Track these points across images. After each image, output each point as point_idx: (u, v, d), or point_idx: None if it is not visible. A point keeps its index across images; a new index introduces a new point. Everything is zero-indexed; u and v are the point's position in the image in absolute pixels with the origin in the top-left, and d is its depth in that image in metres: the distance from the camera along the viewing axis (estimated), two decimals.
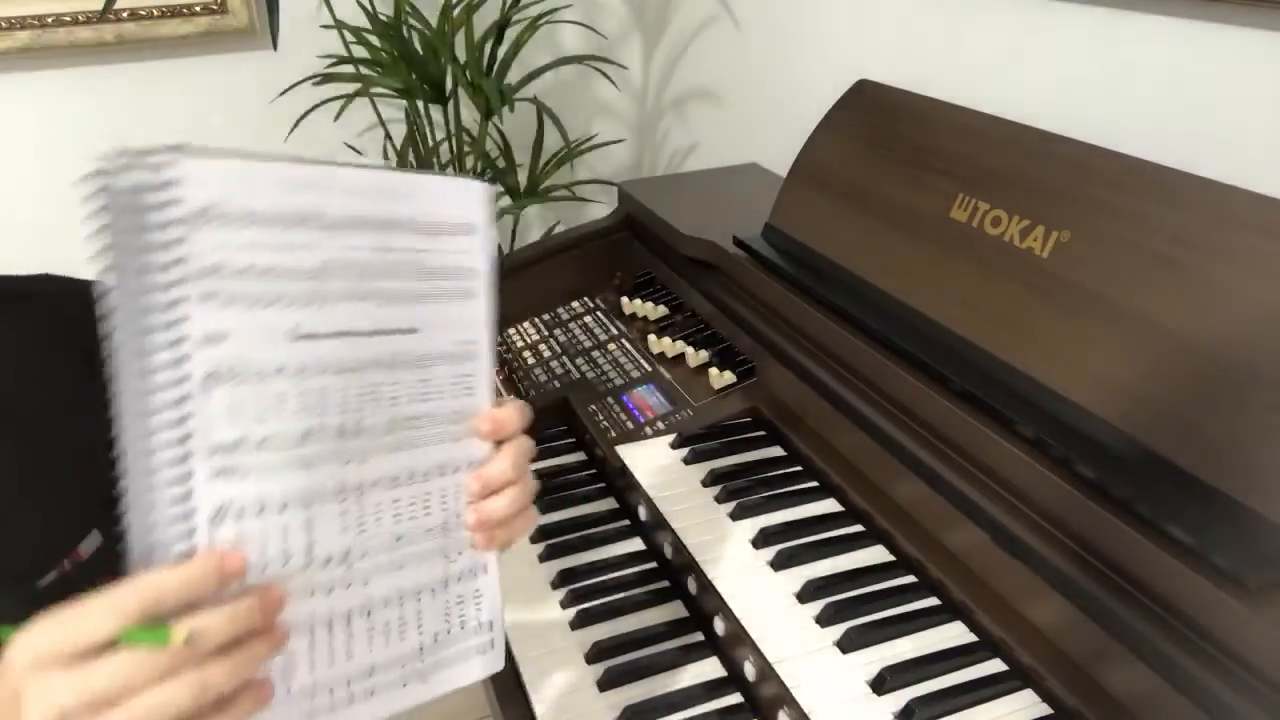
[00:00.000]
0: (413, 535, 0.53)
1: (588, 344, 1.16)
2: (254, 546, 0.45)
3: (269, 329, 0.45)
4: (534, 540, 0.90)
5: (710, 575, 0.76)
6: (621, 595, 0.82)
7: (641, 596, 0.82)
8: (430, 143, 1.68)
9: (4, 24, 1.63)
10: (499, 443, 0.56)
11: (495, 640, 0.58)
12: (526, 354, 1.18)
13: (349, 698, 0.51)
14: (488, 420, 0.55)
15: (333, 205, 0.47)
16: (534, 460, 1.04)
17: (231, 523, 0.44)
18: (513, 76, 1.66)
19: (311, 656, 0.49)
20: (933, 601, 0.73)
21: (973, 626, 0.70)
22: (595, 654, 0.75)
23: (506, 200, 1.83)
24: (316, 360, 0.47)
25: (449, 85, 1.65)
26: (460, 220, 0.53)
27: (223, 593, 0.43)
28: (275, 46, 1.49)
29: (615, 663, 0.74)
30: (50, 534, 0.57)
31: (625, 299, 1.19)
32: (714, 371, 1.01)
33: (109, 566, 0.55)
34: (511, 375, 1.13)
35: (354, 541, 0.50)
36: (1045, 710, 0.64)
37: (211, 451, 0.44)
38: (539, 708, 0.71)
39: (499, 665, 0.58)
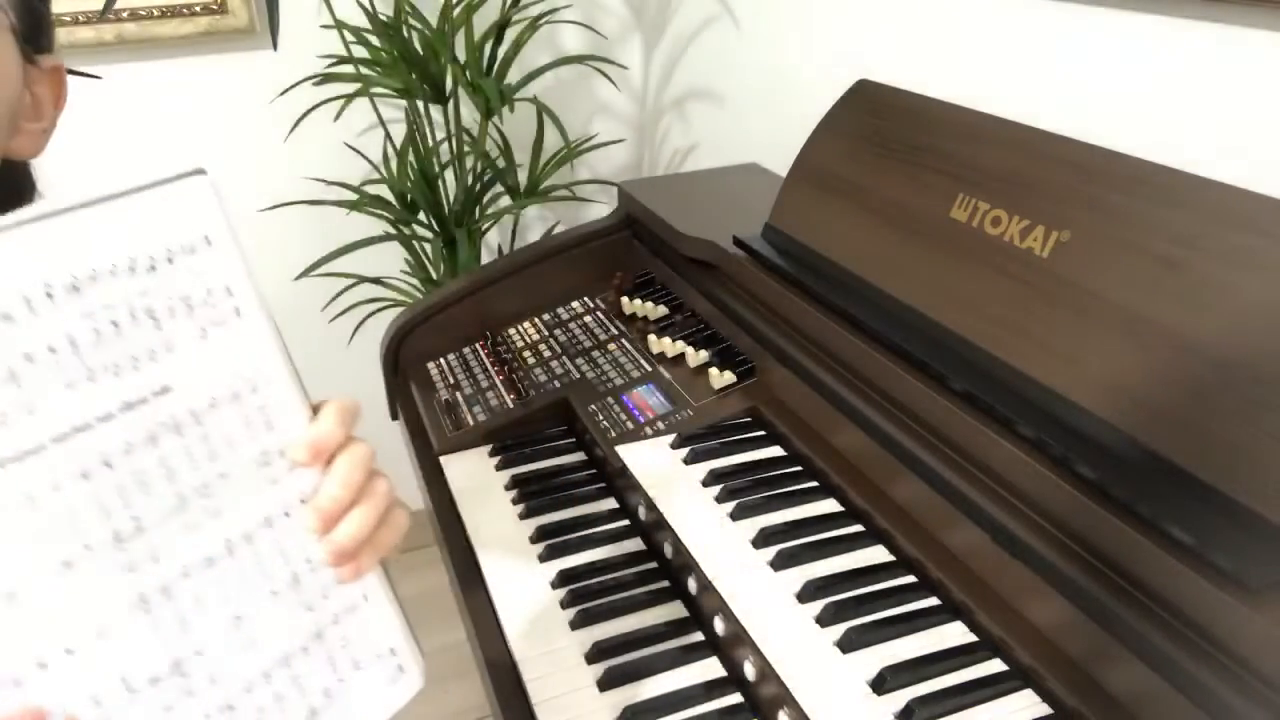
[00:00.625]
0: (255, 607, 0.46)
1: (588, 344, 1.17)
2: (54, 705, 0.39)
3: None
4: (534, 540, 0.90)
5: (710, 575, 0.76)
6: (621, 595, 0.82)
7: (641, 596, 0.82)
8: (430, 143, 1.69)
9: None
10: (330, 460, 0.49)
11: (404, 664, 0.53)
12: (526, 354, 1.18)
13: None
14: (303, 448, 0.47)
15: (4, 285, 0.37)
16: (534, 460, 1.04)
17: (11, 692, 0.38)
18: (513, 76, 1.66)
19: None
20: (933, 601, 0.73)
21: (973, 626, 0.70)
22: (595, 654, 0.75)
23: (506, 200, 1.83)
24: (45, 478, 0.38)
25: (449, 85, 1.65)
26: (182, 237, 0.43)
27: None
28: (275, 46, 1.49)
29: (615, 663, 0.74)
30: None
31: (625, 299, 1.20)
32: (714, 371, 1.01)
33: None
34: (511, 375, 1.13)
35: (179, 647, 0.43)
36: (1045, 710, 0.64)
37: None
38: (539, 708, 0.71)
39: (418, 684, 0.53)
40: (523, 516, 0.94)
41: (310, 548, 0.48)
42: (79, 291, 0.39)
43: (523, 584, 0.85)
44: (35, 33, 0.54)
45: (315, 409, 0.49)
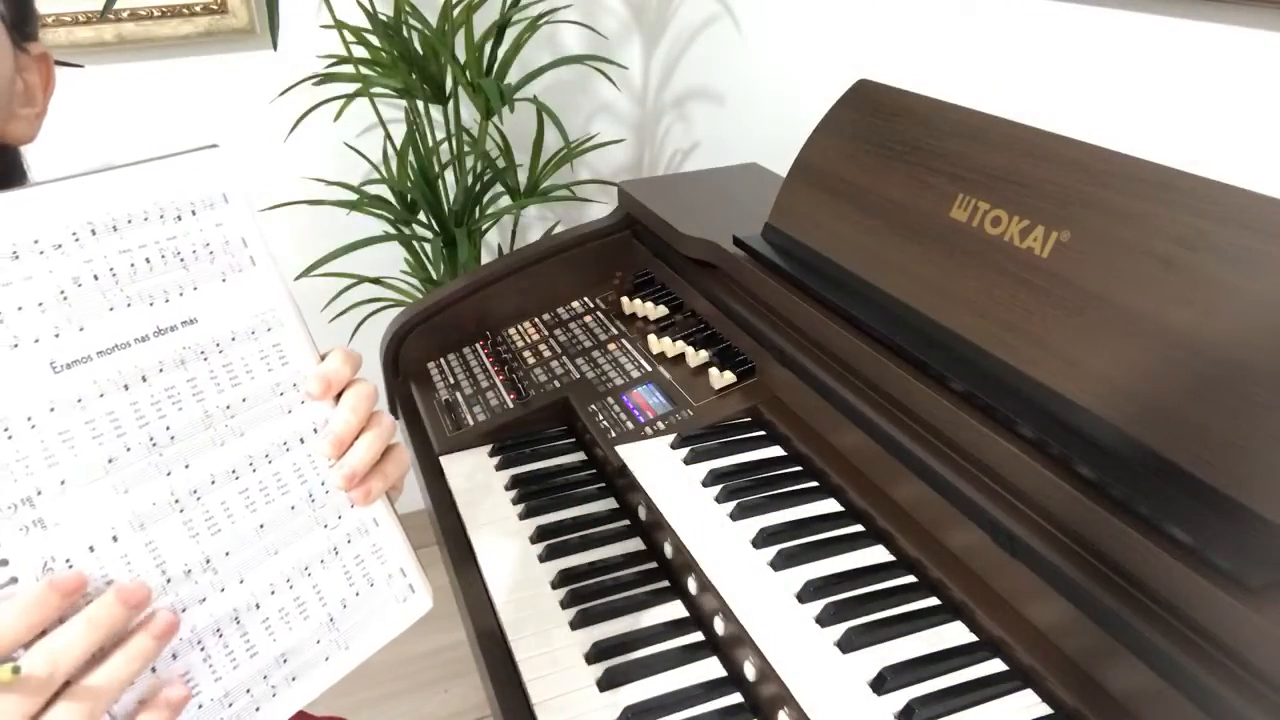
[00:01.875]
0: (277, 518, 0.52)
1: (588, 344, 1.17)
2: (100, 584, 0.44)
3: (22, 373, 0.44)
4: (534, 540, 0.90)
5: (710, 575, 0.76)
6: (621, 595, 0.82)
7: (641, 596, 0.82)
8: (430, 143, 1.69)
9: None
10: (339, 396, 0.55)
11: (414, 584, 0.58)
12: (526, 354, 1.18)
13: (270, 691, 0.51)
14: (315, 380, 0.54)
15: (48, 226, 0.45)
16: (534, 460, 1.05)
17: (64, 569, 0.44)
18: (513, 76, 1.66)
19: (211, 667, 0.49)
20: (933, 601, 0.73)
21: (973, 626, 0.70)
22: (595, 654, 0.75)
23: (506, 200, 1.83)
24: (91, 385, 0.46)
25: (449, 85, 1.65)
26: (203, 193, 0.51)
27: (73, 609, 0.42)
28: (275, 46, 1.49)
29: (615, 663, 0.74)
30: None
31: (625, 299, 1.20)
32: (714, 371, 1.01)
33: None
34: (511, 375, 1.13)
35: (210, 545, 0.49)
36: (1045, 710, 0.64)
37: (10, 511, 0.43)
38: (539, 708, 0.71)
39: (426, 604, 0.58)
40: (523, 516, 0.94)
41: (325, 473, 0.54)
42: (118, 231, 0.47)
43: (523, 584, 0.85)
44: (22, 20, 0.55)
45: (322, 357, 0.55)
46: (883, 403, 0.82)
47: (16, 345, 0.44)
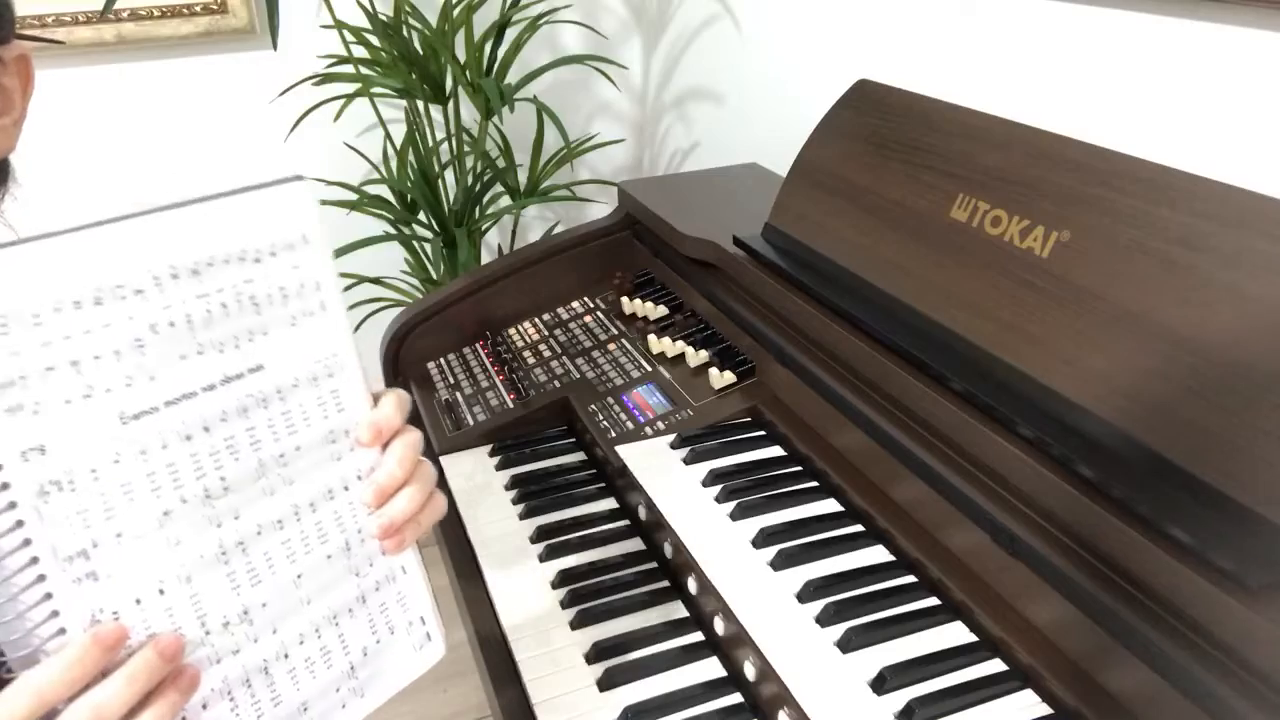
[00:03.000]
0: (314, 568, 0.51)
1: (588, 344, 1.17)
2: (141, 637, 0.44)
3: (92, 424, 0.42)
4: (534, 540, 0.90)
5: (710, 575, 0.76)
6: (621, 595, 0.82)
7: (641, 596, 0.82)
8: (430, 143, 1.69)
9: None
10: (386, 443, 0.54)
11: (431, 633, 0.58)
12: (526, 354, 1.18)
13: None
14: (367, 428, 0.53)
15: (131, 269, 0.43)
16: (534, 460, 1.04)
17: (110, 620, 0.43)
18: (513, 76, 1.66)
19: (238, 718, 0.49)
20: (933, 601, 0.73)
21: (973, 626, 0.70)
22: (595, 654, 0.75)
23: (506, 200, 1.83)
24: (156, 436, 0.44)
25: (449, 85, 1.65)
26: (285, 234, 0.49)
27: (113, 663, 0.42)
28: (275, 46, 1.50)
29: (615, 663, 0.74)
30: None
31: (625, 299, 1.20)
32: (714, 371, 1.01)
33: None
34: (512, 375, 1.13)
35: (249, 596, 0.49)
36: (1045, 710, 0.63)
37: (66, 563, 0.42)
38: (539, 708, 0.71)
39: (440, 652, 0.58)
40: (523, 516, 0.94)
41: (362, 520, 0.53)
42: (198, 275, 0.46)
43: (523, 584, 0.85)
44: None
45: (375, 398, 0.54)
46: (883, 403, 0.82)
47: (89, 396, 0.42)
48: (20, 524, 0.40)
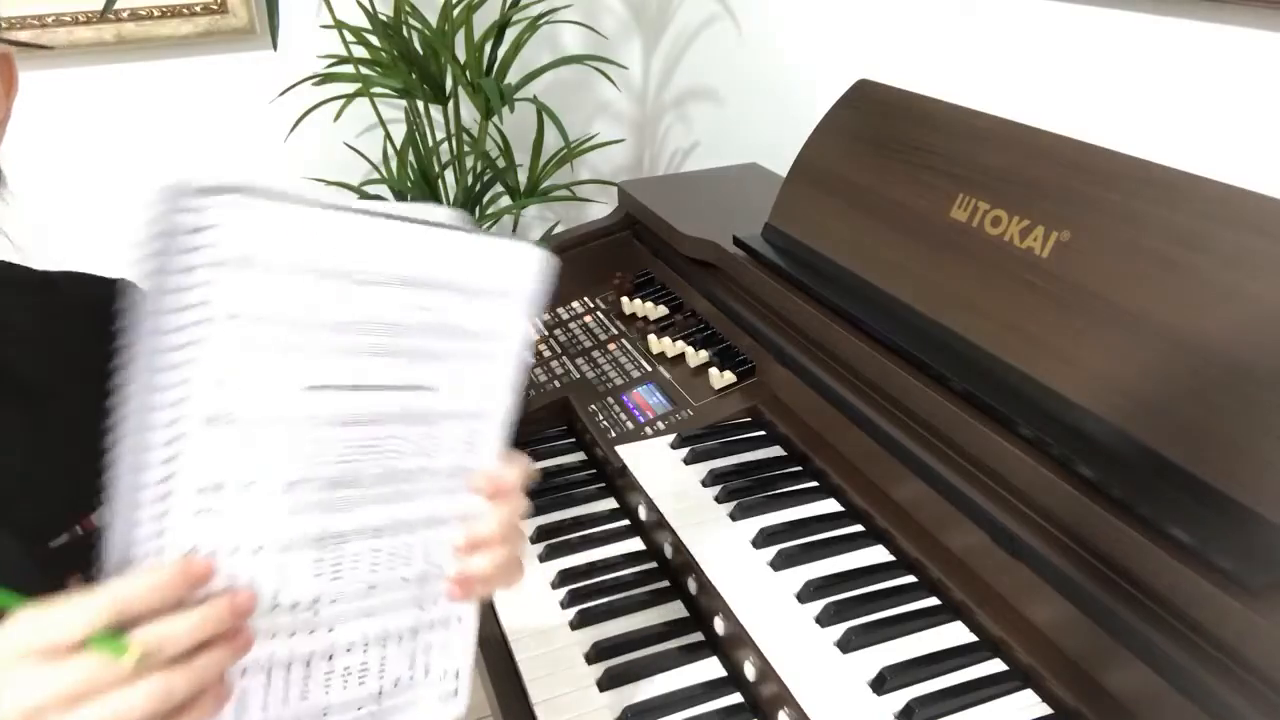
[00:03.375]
0: (388, 584, 0.53)
1: (588, 344, 1.16)
2: (219, 583, 0.46)
3: (280, 379, 0.45)
4: (534, 540, 0.90)
5: (710, 575, 0.76)
6: (621, 595, 0.82)
7: (641, 596, 0.82)
8: (430, 143, 1.69)
9: (4, 24, 1.63)
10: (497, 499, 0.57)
11: (460, 689, 0.58)
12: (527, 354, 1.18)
13: None
14: (488, 480, 0.56)
15: (374, 262, 0.47)
16: (534, 460, 1.04)
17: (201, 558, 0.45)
18: (513, 76, 1.66)
19: (265, 697, 0.49)
20: (933, 601, 0.73)
21: (973, 626, 0.70)
22: (595, 654, 0.75)
23: (506, 200, 1.83)
24: (322, 413, 0.47)
25: (449, 85, 1.65)
26: (506, 285, 0.53)
27: (191, 598, 0.43)
28: (275, 46, 1.49)
29: (615, 663, 0.74)
30: (67, 497, 0.59)
31: (625, 299, 1.19)
32: (714, 371, 1.01)
33: None
34: None
35: (325, 588, 0.50)
36: (1045, 710, 0.64)
37: (195, 491, 0.44)
38: (539, 708, 0.71)
39: (460, 712, 0.58)
40: (523, 516, 0.94)
41: (446, 559, 0.55)
42: (425, 289, 0.50)
43: (523, 584, 0.85)
44: None
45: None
46: (883, 403, 0.82)
47: (288, 353, 0.45)
48: (180, 437, 0.43)
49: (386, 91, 1.63)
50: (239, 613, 0.45)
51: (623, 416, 1.00)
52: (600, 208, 1.53)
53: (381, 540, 0.52)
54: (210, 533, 0.45)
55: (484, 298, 0.53)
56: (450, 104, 1.66)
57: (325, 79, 1.63)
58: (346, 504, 0.49)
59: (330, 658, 0.51)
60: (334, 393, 0.47)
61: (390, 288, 0.48)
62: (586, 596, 0.82)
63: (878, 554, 0.78)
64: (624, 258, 1.28)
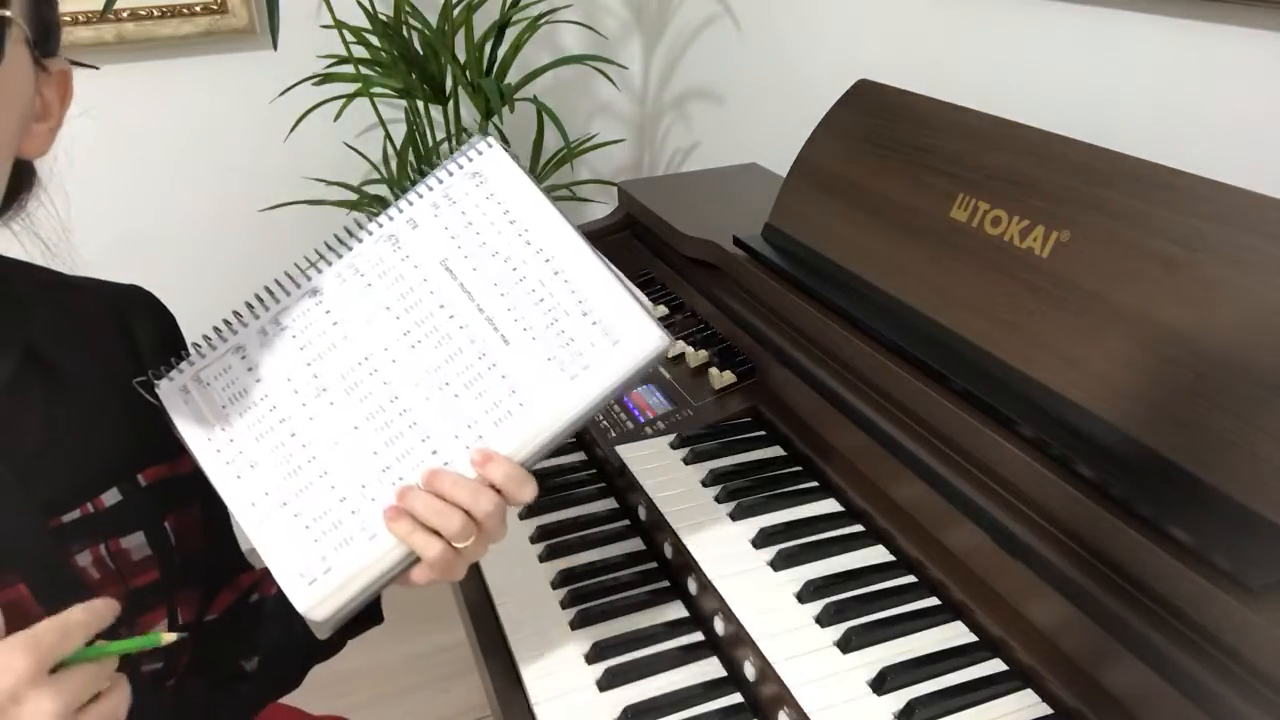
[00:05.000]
0: (363, 442, 0.61)
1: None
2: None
3: (442, 247, 0.64)
4: (534, 540, 0.90)
5: (710, 575, 0.76)
6: (621, 595, 0.82)
7: (641, 596, 0.82)
8: (430, 143, 1.69)
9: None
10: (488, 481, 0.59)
11: (319, 587, 0.59)
12: None
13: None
14: (485, 454, 0.59)
15: (546, 240, 0.63)
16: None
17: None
18: (513, 76, 1.66)
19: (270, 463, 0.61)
20: (933, 601, 0.73)
21: (973, 626, 0.70)
22: (595, 654, 0.75)
23: None
24: (442, 291, 0.63)
25: (449, 85, 1.65)
26: (620, 336, 0.61)
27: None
28: (275, 46, 1.49)
29: (615, 663, 0.74)
30: (81, 476, 0.62)
31: None
32: (714, 371, 1.01)
33: (122, 520, 0.63)
34: None
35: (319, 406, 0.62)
36: (1045, 710, 0.63)
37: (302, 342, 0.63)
38: (539, 708, 0.71)
39: (303, 607, 0.59)
40: (523, 516, 0.94)
41: (411, 476, 0.61)
42: (558, 277, 0.63)
43: (523, 584, 0.85)
44: (45, 38, 0.55)
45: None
46: (883, 403, 0.82)
47: (459, 242, 0.64)
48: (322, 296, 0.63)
49: (386, 91, 1.63)
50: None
51: (623, 416, 1.00)
52: (600, 208, 1.54)
53: (388, 408, 0.61)
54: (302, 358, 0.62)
55: (597, 329, 0.61)
56: (450, 104, 1.66)
57: (325, 79, 1.63)
58: (392, 361, 0.62)
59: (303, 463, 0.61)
60: (455, 281, 0.62)
61: (543, 262, 0.62)
62: (586, 596, 0.82)
63: (878, 554, 0.78)
64: (624, 258, 1.28)
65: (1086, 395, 0.68)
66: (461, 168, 0.66)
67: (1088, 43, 0.96)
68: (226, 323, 0.64)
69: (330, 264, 0.65)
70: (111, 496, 0.63)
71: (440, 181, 0.66)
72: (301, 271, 0.65)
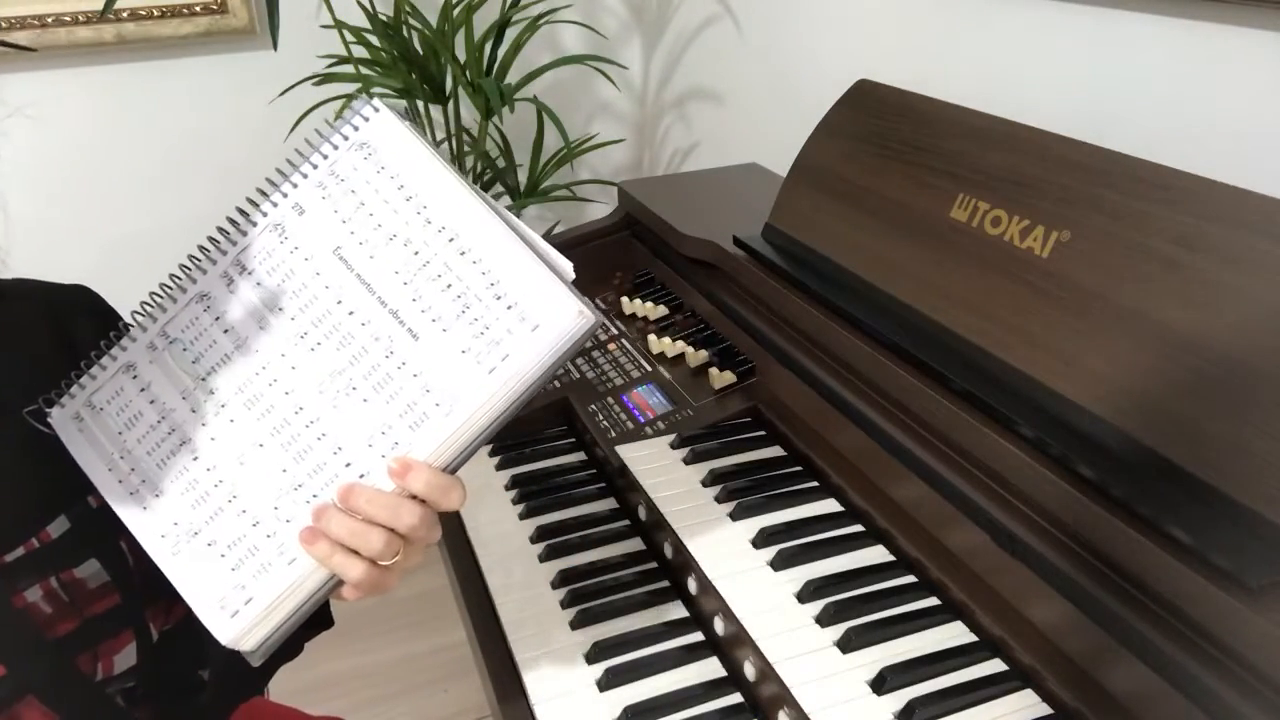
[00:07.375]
0: (269, 460, 0.57)
1: (587, 344, 1.16)
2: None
3: (333, 233, 0.56)
4: (534, 540, 0.90)
5: (710, 575, 0.76)
6: (621, 595, 0.82)
7: (641, 596, 0.82)
8: (430, 142, 1.69)
9: (4, 24, 1.63)
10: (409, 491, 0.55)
11: (242, 619, 0.56)
12: None
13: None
14: (404, 463, 0.54)
15: (449, 218, 0.56)
16: (534, 460, 1.04)
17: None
18: (513, 76, 1.66)
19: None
20: (933, 601, 0.73)
21: (973, 626, 0.70)
22: (595, 654, 0.75)
23: (506, 200, 1.83)
24: (338, 284, 0.56)
25: (449, 85, 1.65)
26: (540, 320, 0.55)
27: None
28: (275, 46, 1.50)
29: (615, 663, 0.74)
30: (23, 509, 0.58)
31: (625, 299, 1.19)
32: (714, 371, 1.01)
33: (72, 550, 0.58)
34: None
35: (219, 426, 0.57)
36: (1045, 710, 0.64)
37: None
38: (539, 707, 0.71)
39: (228, 639, 0.56)
40: (523, 516, 0.94)
41: (327, 493, 0.57)
42: (465, 259, 0.56)
43: (523, 584, 0.85)
44: None
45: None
46: (883, 403, 0.82)
47: (351, 226, 0.58)
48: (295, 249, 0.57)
49: (386, 92, 1.63)
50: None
51: (623, 416, 1.00)
52: (600, 208, 1.54)
53: (293, 420, 0.56)
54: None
55: (513, 313, 0.55)
56: (450, 104, 1.66)
57: (325, 79, 1.63)
58: (294, 369, 0.56)
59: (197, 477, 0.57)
60: (352, 272, 0.56)
61: (446, 242, 0.55)
62: (587, 596, 0.82)
63: (878, 554, 0.78)
64: (624, 258, 1.28)
65: (1086, 395, 0.68)
66: (347, 138, 0.58)
67: (1088, 43, 0.96)
68: (116, 336, 0.59)
69: (215, 263, 0.58)
70: (59, 526, 0.59)
71: (325, 157, 0.58)
72: (187, 274, 0.58)
